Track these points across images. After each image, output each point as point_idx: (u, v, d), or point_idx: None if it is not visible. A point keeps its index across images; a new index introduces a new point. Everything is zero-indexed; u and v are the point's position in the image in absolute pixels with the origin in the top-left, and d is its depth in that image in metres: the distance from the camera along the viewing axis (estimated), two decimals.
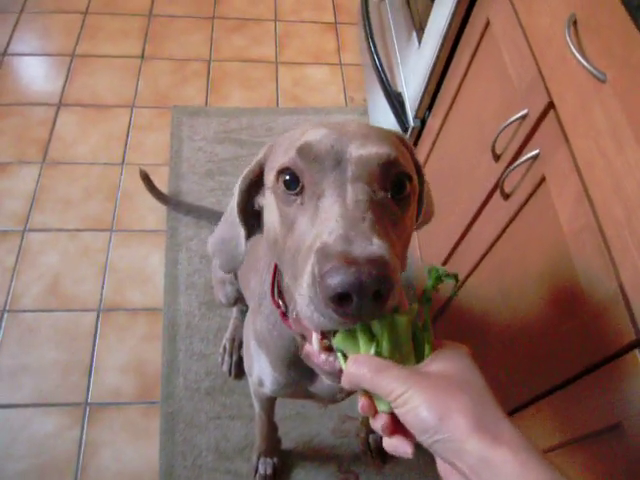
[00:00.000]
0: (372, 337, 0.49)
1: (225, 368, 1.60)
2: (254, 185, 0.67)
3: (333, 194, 0.52)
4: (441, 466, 0.47)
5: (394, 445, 0.49)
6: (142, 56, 2.33)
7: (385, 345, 0.49)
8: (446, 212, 1.37)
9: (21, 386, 1.54)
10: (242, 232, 0.67)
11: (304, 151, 0.54)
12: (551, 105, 0.89)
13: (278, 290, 0.76)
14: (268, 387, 0.95)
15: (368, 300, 0.44)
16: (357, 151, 0.54)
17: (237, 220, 0.67)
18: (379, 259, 0.45)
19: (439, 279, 0.54)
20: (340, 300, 0.44)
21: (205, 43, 2.42)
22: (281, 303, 0.75)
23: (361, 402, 0.50)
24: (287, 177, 0.55)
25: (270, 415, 1.33)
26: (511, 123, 0.99)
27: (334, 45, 2.48)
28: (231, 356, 1.60)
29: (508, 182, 1.02)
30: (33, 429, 1.48)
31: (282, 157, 0.57)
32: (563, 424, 0.85)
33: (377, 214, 0.51)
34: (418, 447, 0.47)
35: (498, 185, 1.04)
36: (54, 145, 2.02)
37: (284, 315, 0.74)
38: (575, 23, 0.82)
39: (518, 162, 0.96)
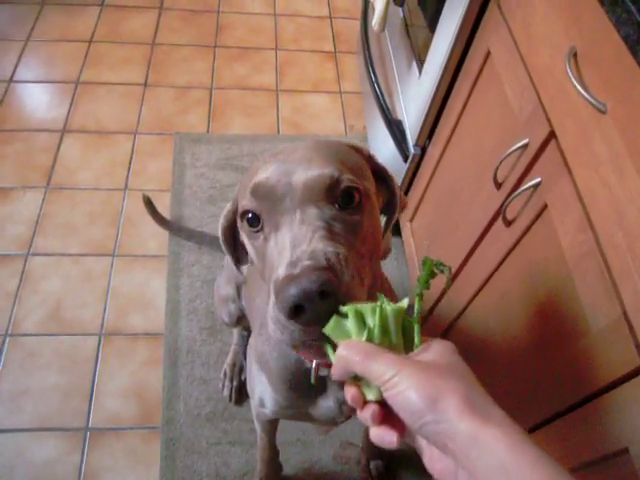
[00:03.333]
0: (364, 326, 0.50)
1: (226, 393, 1.59)
2: (235, 220, 0.72)
3: (285, 224, 0.57)
4: (427, 456, 0.47)
5: (380, 435, 0.49)
6: (145, 84, 2.37)
7: (376, 333, 0.50)
8: (447, 238, 1.39)
9: (22, 410, 1.53)
10: (231, 261, 0.75)
11: (256, 192, 0.60)
12: (552, 134, 0.92)
13: None
14: (269, 408, 0.96)
15: (317, 302, 0.50)
16: (301, 177, 0.58)
17: (226, 251, 0.74)
18: (316, 265, 0.51)
19: (432, 272, 0.55)
20: (297, 313, 0.50)
21: (207, 71, 2.46)
22: None
23: (350, 392, 0.50)
24: (248, 217, 0.61)
25: (272, 439, 1.33)
26: (512, 152, 1.01)
27: (334, 74, 2.52)
28: (232, 381, 1.60)
29: (510, 209, 1.04)
30: (33, 454, 1.47)
31: (242, 199, 0.63)
32: (570, 450, 0.85)
33: (327, 231, 0.56)
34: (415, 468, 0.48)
35: (500, 212, 1.06)
36: (58, 171, 2.04)
37: None
38: (575, 55, 0.85)
39: (520, 190, 0.98)
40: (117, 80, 2.36)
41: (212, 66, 2.48)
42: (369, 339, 0.50)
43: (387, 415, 0.49)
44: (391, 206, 0.74)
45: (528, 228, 0.99)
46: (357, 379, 0.50)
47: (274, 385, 0.90)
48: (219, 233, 0.73)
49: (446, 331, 1.39)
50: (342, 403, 0.85)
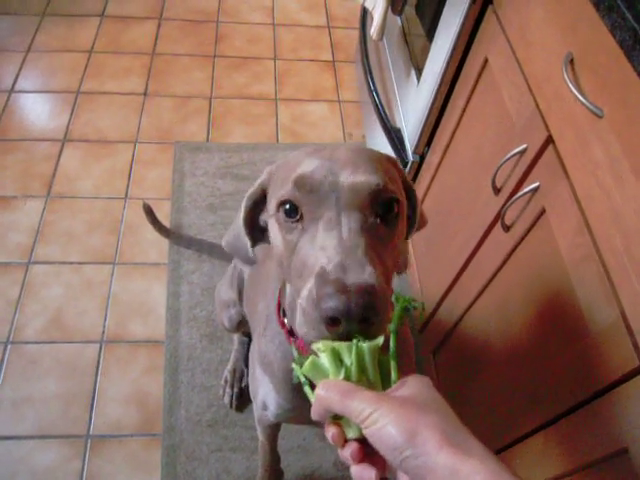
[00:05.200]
0: (340, 364, 0.51)
1: (226, 400, 1.60)
2: (258, 203, 0.72)
3: (329, 221, 0.57)
4: None
5: (359, 472, 0.49)
6: (145, 93, 2.38)
7: (353, 371, 0.51)
8: (446, 244, 1.40)
9: (23, 418, 1.53)
10: (248, 243, 0.74)
11: (299, 183, 0.59)
12: (550, 140, 0.93)
13: (283, 311, 0.80)
14: (272, 411, 0.96)
15: (355, 324, 0.51)
16: (348, 179, 0.58)
17: (243, 233, 0.73)
18: (369, 289, 0.51)
19: (405, 308, 0.56)
20: (332, 320, 0.51)
21: (207, 80, 2.47)
22: (286, 322, 0.79)
23: (331, 431, 0.51)
24: (287, 207, 0.60)
25: (273, 445, 1.33)
26: (510, 157, 1.02)
27: (332, 83, 2.54)
28: (232, 388, 1.60)
29: (509, 214, 1.05)
30: (34, 461, 1.47)
31: (280, 188, 0.62)
32: (570, 451, 0.86)
33: (369, 239, 0.56)
34: None
35: (499, 217, 1.07)
36: (58, 180, 2.05)
37: (290, 334, 0.78)
38: (572, 61, 0.86)
39: (518, 195, 0.99)
40: (117, 90, 2.38)
41: (212, 75, 2.50)
42: (346, 377, 0.51)
43: (368, 453, 0.49)
44: (410, 221, 0.74)
45: (527, 233, 1.00)
46: (337, 418, 0.51)
47: (277, 387, 0.90)
48: (241, 215, 0.72)
49: (447, 335, 1.40)
50: None
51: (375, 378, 0.52)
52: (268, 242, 0.73)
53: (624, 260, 0.74)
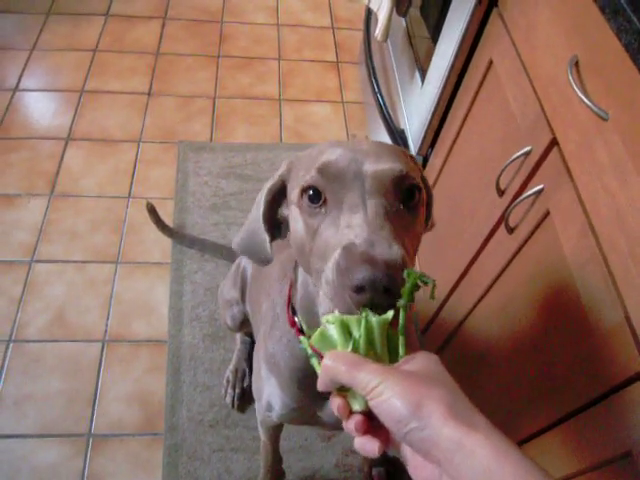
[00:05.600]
0: (349, 337, 0.51)
1: (228, 400, 1.60)
2: (276, 197, 0.72)
3: (354, 205, 0.58)
4: (412, 465, 0.48)
5: (363, 443, 0.49)
6: (149, 92, 2.39)
7: (362, 344, 0.51)
8: (450, 246, 1.40)
9: (25, 416, 1.54)
10: (267, 238, 0.73)
11: (324, 170, 0.60)
12: (554, 142, 0.93)
13: (293, 309, 0.80)
14: (277, 411, 0.96)
15: (380, 294, 0.51)
16: (372, 167, 0.59)
17: (262, 228, 0.73)
18: (395, 262, 0.52)
19: (416, 284, 0.56)
20: (357, 290, 0.51)
21: (211, 80, 2.48)
22: (297, 320, 0.78)
23: (336, 403, 0.51)
24: (311, 193, 0.61)
25: (275, 446, 1.33)
26: (515, 159, 1.02)
27: (336, 83, 2.54)
28: (234, 388, 1.60)
29: (513, 216, 1.04)
30: (36, 459, 1.47)
31: (303, 176, 0.63)
32: (574, 454, 0.86)
33: (393, 223, 0.57)
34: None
35: (503, 219, 1.07)
36: (62, 178, 2.05)
37: (300, 332, 0.77)
38: (577, 64, 0.86)
39: (522, 197, 0.99)
40: (121, 89, 2.38)
41: (216, 75, 2.50)
42: (354, 350, 0.51)
43: (372, 427, 0.50)
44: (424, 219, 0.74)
45: (530, 235, 1.00)
46: (343, 390, 0.51)
47: (284, 387, 0.90)
48: (260, 209, 0.72)
49: (450, 336, 1.40)
50: None
51: (383, 352, 0.52)
52: (285, 237, 0.75)
53: (628, 262, 0.74)
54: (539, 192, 0.96)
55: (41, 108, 2.29)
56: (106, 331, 1.72)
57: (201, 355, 1.69)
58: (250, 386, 1.60)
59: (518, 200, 1.00)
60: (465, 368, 1.32)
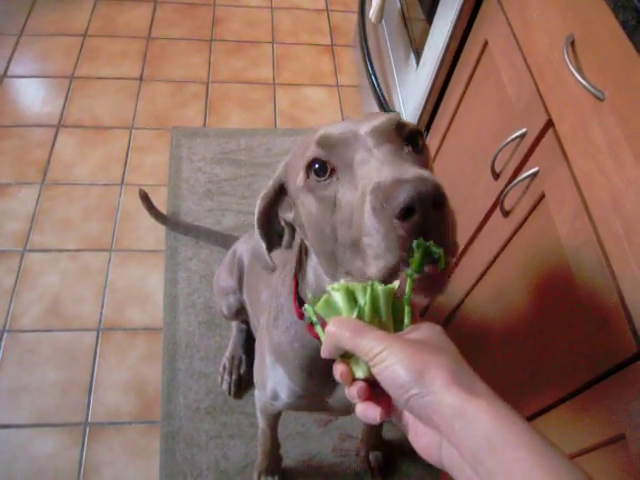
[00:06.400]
0: (354, 304, 0.51)
1: (224, 387, 1.60)
2: (274, 205, 0.71)
3: (365, 158, 0.56)
4: (412, 433, 0.48)
5: (364, 409, 0.50)
6: (141, 78, 2.36)
7: (367, 311, 0.50)
8: None
9: (21, 406, 1.53)
10: (264, 246, 0.72)
11: (323, 141, 0.59)
12: (550, 123, 0.91)
13: (299, 300, 0.79)
14: (283, 400, 0.96)
15: (430, 209, 0.48)
16: (368, 126, 0.59)
17: (259, 237, 0.72)
18: (429, 177, 0.50)
19: (425, 254, 0.54)
20: (405, 214, 0.48)
21: (203, 65, 2.45)
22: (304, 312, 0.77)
23: (339, 369, 0.51)
24: (316, 166, 0.59)
25: (274, 431, 1.34)
26: (510, 142, 1.00)
27: (331, 67, 2.51)
28: (231, 375, 1.60)
29: (508, 199, 1.03)
30: (33, 449, 1.47)
31: (302, 159, 0.62)
32: (568, 437, 0.85)
33: (410, 161, 0.57)
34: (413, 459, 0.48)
35: (498, 202, 1.06)
36: (53, 166, 2.03)
37: (310, 324, 0.76)
38: (573, 43, 0.85)
39: (518, 180, 0.97)
40: (113, 74, 2.35)
41: (209, 60, 2.47)
42: (359, 317, 0.50)
43: (374, 394, 0.50)
44: None
45: (526, 218, 0.99)
46: (346, 357, 0.51)
47: (292, 375, 0.90)
48: (255, 215, 0.71)
49: (447, 321, 1.39)
50: None
51: (387, 321, 0.52)
52: (288, 246, 0.74)
53: (624, 245, 0.73)
54: (534, 175, 0.94)
55: (31, 95, 2.27)
56: (101, 320, 1.71)
57: (197, 342, 1.69)
58: (246, 373, 1.60)
59: (513, 183, 0.99)
60: (462, 352, 1.32)
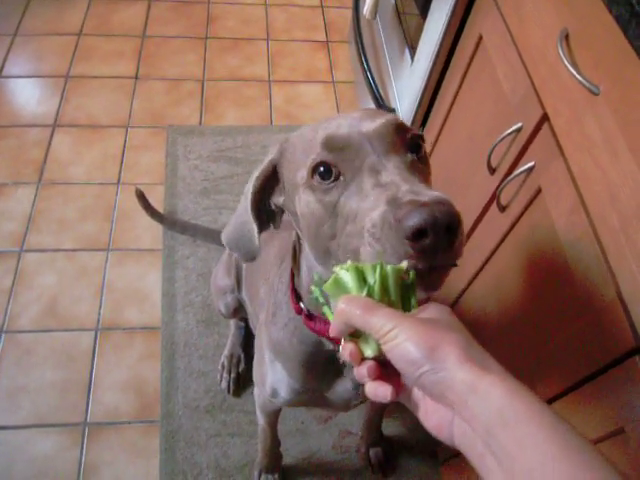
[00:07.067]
0: (364, 284, 0.51)
1: (224, 385, 1.59)
2: (266, 186, 0.71)
3: (374, 166, 0.57)
4: (422, 411, 0.48)
5: (374, 388, 0.49)
6: (136, 76, 2.35)
7: (376, 290, 0.50)
8: None
9: (19, 407, 1.53)
10: (255, 229, 0.71)
11: (329, 144, 0.59)
12: (545, 118, 0.91)
13: (297, 295, 0.79)
14: (283, 397, 0.96)
15: (442, 235, 0.49)
16: (371, 126, 0.59)
17: (250, 218, 0.71)
18: (446, 200, 0.50)
19: None
20: (417, 235, 0.49)
21: (199, 63, 2.44)
22: (303, 307, 0.78)
23: (348, 349, 0.51)
24: (322, 169, 0.59)
25: (274, 429, 1.34)
26: (506, 136, 1.00)
27: (326, 63, 2.51)
28: (229, 373, 1.60)
29: (504, 194, 1.03)
30: (32, 450, 1.47)
31: (305, 156, 0.62)
32: None
33: (417, 174, 0.58)
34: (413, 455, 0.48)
35: (494, 197, 1.06)
36: (49, 166, 2.03)
37: (308, 318, 0.77)
38: (567, 37, 0.84)
39: (514, 174, 0.97)
40: (108, 73, 2.35)
41: (204, 57, 2.47)
42: (369, 295, 0.50)
43: (384, 374, 0.50)
44: None
45: (522, 212, 0.99)
46: (355, 337, 0.51)
47: (291, 371, 0.90)
48: (248, 199, 0.70)
49: None
50: (359, 384, 0.85)
51: (397, 300, 0.52)
52: (277, 227, 0.74)
53: (620, 239, 0.73)
54: (530, 169, 0.94)
55: (26, 95, 2.26)
56: (99, 319, 1.71)
57: (195, 341, 1.69)
58: (245, 371, 1.60)
59: (510, 178, 0.99)
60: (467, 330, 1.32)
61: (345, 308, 0.49)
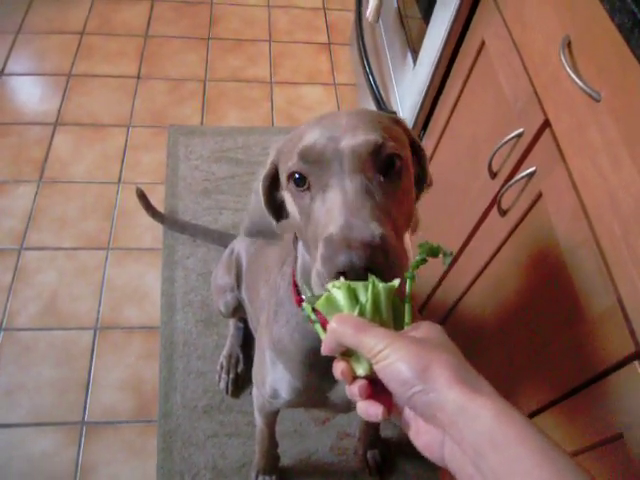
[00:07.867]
0: (355, 302, 0.51)
1: (222, 386, 1.60)
2: (272, 182, 0.74)
3: (336, 186, 0.59)
4: (413, 430, 0.48)
5: (366, 407, 0.50)
6: (138, 76, 2.35)
7: (368, 309, 0.51)
8: (442, 229, 1.39)
9: (18, 405, 1.53)
10: (273, 222, 0.76)
11: (304, 155, 0.62)
12: (547, 124, 0.92)
13: (299, 290, 0.80)
14: (283, 397, 0.96)
15: (362, 274, 0.53)
16: (349, 143, 0.60)
17: (266, 213, 0.75)
18: (372, 243, 0.53)
19: (432, 254, 0.56)
20: (339, 276, 0.53)
21: (201, 63, 2.44)
22: (304, 298, 0.78)
23: (340, 367, 0.51)
24: (296, 177, 0.63)
25: (272, 430, 1.34)
26: (507, 141, 1.01)
27: (328, 65, 2.51)
28: (228, 374, 1.60)
29: (505, 199, 1.04)
30: (30, 448, 1.47)
31: (288, 161, 0.65)
32: (565, 436, 0.86)
33: (374, 199, 0.59)
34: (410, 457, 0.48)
35: (495, 202, 1.06)
36: (51, 164, 2.03)
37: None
38: (569, 44, 0.85)
39: (515, 179, 0.98)
40: (110, 73, 2.35)
41: (206, 58, 2.47)
42: (361, 314, 0.50)
43: (375, 392, 0.50)
44: (419, 181, 0.76)
45: (523, 217, 0.99)
46: (347, 355, 0.51)
47: (293, 370, 0.90)
48: (260, 199, 0.74)
49: (444, 318, 1.40)
50: None
51: (388, 319, 0.52)
52: (287, 217, 0.76)
53: (621, 245, 0.73)
54: (531, 174, 0.95)
55: (28, 93, 2.26)
56: (98, 318, 1.71)
57: (194, 341, 1.69)
58: (244, 371, 1.60)
59: (510, 182, 0.99)
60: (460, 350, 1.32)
61: (337, 327, 0.50)
